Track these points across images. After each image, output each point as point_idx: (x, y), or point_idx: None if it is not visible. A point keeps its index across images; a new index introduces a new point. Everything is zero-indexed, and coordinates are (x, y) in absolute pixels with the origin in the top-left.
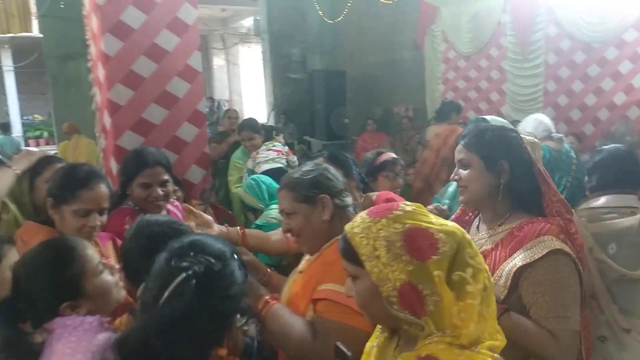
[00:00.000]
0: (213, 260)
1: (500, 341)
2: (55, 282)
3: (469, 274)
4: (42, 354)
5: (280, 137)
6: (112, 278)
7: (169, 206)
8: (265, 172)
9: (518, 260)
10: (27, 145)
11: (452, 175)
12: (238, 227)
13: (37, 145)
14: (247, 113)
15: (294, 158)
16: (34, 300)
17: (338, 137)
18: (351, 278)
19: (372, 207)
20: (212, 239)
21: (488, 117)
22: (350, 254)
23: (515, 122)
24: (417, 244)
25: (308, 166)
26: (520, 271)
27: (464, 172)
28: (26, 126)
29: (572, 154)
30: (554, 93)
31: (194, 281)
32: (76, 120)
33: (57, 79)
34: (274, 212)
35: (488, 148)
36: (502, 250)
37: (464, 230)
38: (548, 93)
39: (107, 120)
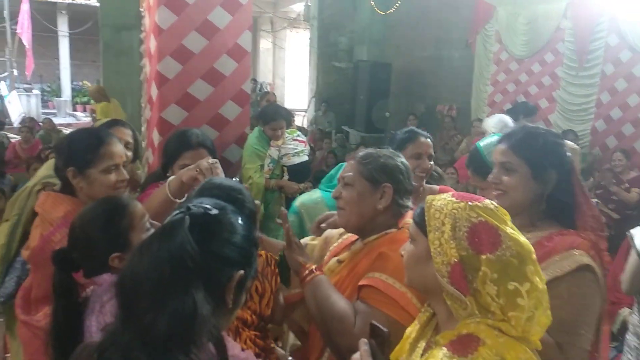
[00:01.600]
0: (209, 207)
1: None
2: (108, 232)
3: (525, 289)
4: (89, 305)
5: (295, 123)
6: None
7: None
8: (295, 166)
9: (545, 274)
10: (75, 110)
11: (491, 177)
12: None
13: (84, 110)
14: (288, 98)
15: (308, 147)
16: (87, 249)
17: (377, 130)
18: (410, 240)
19: (461, 192)
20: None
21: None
22: (420, 219)
23: (569, 132)
24: (480, 236)
25: (388, 152)
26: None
27: (506, 178)
28: (75, 91)
29: None
30: (608, 105)
31: (187, 218)
32: (123, 90)
33: (109, 48)
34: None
35: (538, 156)
36: None
37: (533, 250)
38: (601, 104)
39: (154, 92)
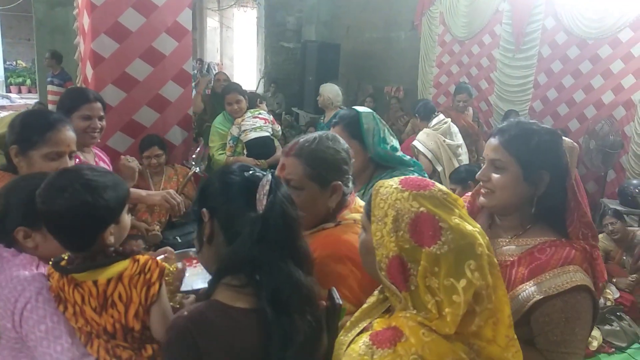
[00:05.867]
0: (271, 174)
1: (509, 353)
2: (23, 204)
3: (461, 285)
4: None
5: (264, 105)
6: None
7: (96, 150)
8: (252, 141)
9: (538, 290)
10: (8, 91)
11: (480, 175)
12: None
13: (19, 92)
14: (237, 78)
15: (279, 127)
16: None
17: None
18: (362, 227)
19: (410, 177)
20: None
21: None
22: (368, 207)
23: (511, 112)
24: (421, 228)
25: (329, 140)
26: (540, 302)
27: (495, 176)
28: (9, 72)
29: None
30: (544, 86)
31: (274, 181)
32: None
33: (43, 25)
34: None
35: (532, 156)
36: (521, 270)
37: (479, 242)
38: (538, 86)
39: (89, 72)
